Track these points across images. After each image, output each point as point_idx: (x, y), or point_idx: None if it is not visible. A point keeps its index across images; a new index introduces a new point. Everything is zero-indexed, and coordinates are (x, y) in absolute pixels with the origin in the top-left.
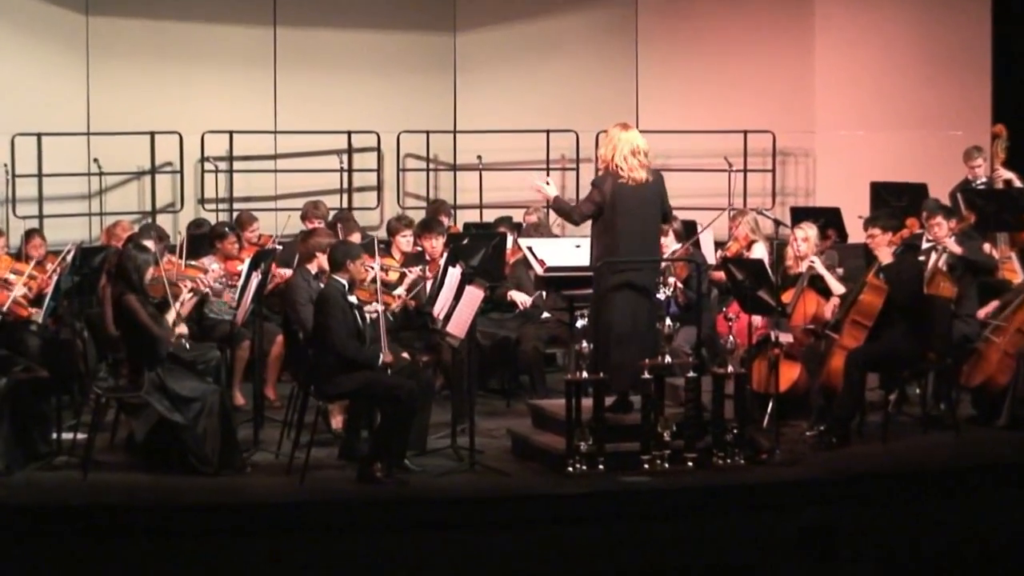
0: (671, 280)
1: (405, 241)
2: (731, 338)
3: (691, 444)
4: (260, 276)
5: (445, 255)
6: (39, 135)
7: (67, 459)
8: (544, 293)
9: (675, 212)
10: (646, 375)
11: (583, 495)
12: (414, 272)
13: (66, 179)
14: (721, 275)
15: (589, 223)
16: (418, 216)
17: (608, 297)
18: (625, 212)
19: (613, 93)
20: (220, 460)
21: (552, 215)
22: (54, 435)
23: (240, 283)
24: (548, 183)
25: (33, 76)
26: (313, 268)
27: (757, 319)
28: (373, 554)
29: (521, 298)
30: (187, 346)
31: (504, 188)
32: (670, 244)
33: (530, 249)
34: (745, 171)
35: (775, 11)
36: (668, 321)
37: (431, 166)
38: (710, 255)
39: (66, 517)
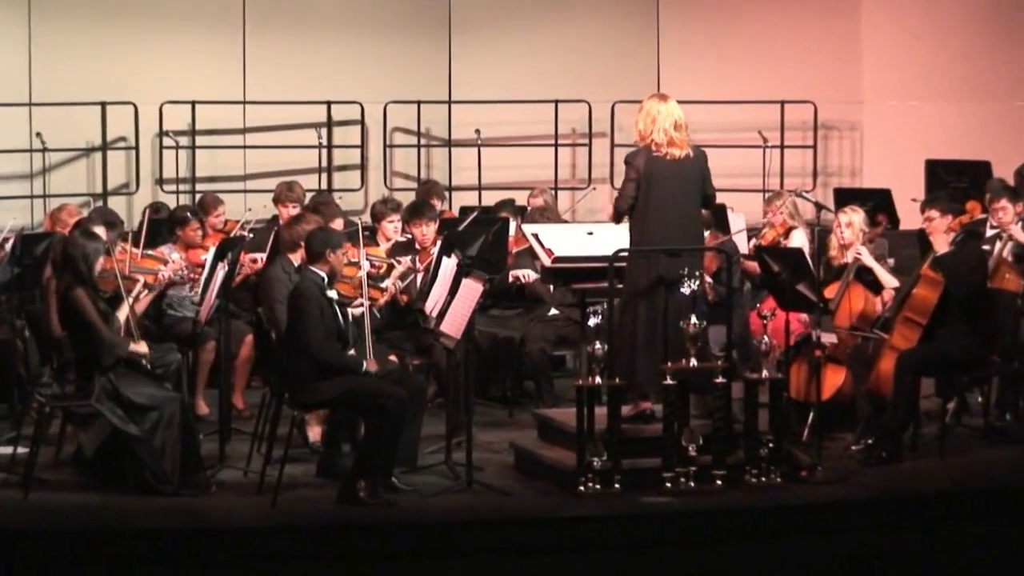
0: (697, 272)
1: (392, 227)
2: (766, 338)
3: (720, 460)
4: (226, 267)
5: (438, 244)
6: None
7: (6, 476)
8: (552, 287)
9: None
10: (669, 380)
11: (596, 518)
12: (403, 263)
13: (4, 156)
14: (755, 266)
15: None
16: (407, 199)
17: (631, 290)
18: (660, 192)
19: (631, 58)
20: (181, 478)
21: (561, 199)
22: None
23: (204, 276)
24: None
25: None
26: (296, 259)
27: (796, 317)
28: None
29: (522, 272)
30: (147, 366)
31: (506, 167)
32: None
33: (535, 236)
34: (782, 147)
35: None
36: (694, 319)
37: (422, 141)
38: (742, 244)
39: (4, 542)
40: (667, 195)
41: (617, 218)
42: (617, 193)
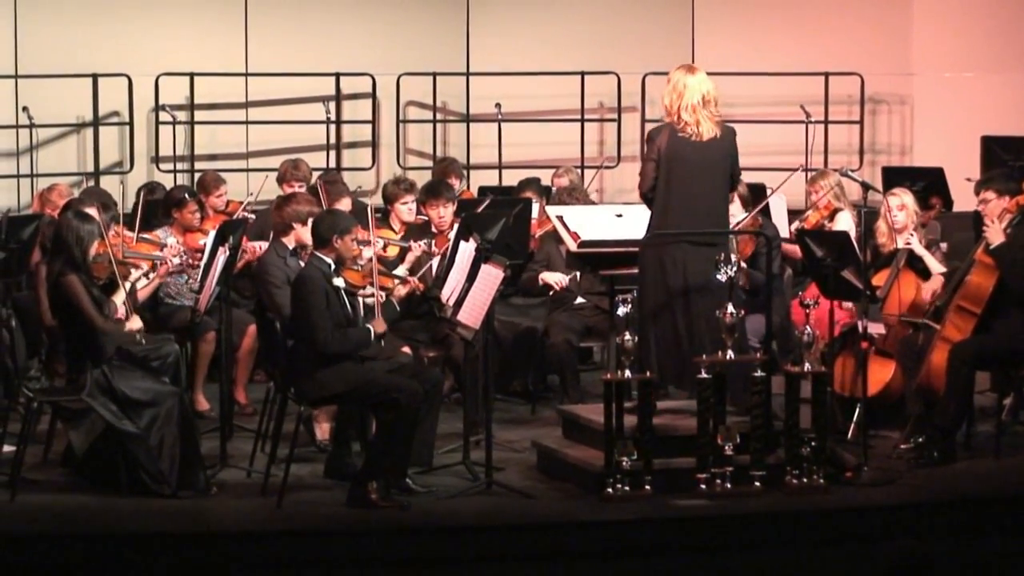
0: (732, 258)
1: (406, 209)
2: (808, 329)
3: (759, 460)
4: (227, 252)
5: (456, 227)
6: None
7: None
8: (578, 274)
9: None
10: (703, 374)
11: (625, 522)
12: (418, 248)
13: None
14: (797, 251)
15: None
16: (422, 178)
17: (644, 279)
18: (682, 176)
19: (663, 26)
20: (179, 478)
21: (588, 177)
22: None
23: (203, 261)
24: None
25: None
26: (290, 242)
27: (841, 305)
28: None
29: (556, 278)
30: (142, 342)
31: (529, 143)
32: (736, 213)
33: (560, 219)
34: (826, 123)
35: None
36: (731, 308)
37: (438, 116)
38: (783, 226)
39: None
40: (690, 180)
41: (646, 202)
42: (640, 175)
